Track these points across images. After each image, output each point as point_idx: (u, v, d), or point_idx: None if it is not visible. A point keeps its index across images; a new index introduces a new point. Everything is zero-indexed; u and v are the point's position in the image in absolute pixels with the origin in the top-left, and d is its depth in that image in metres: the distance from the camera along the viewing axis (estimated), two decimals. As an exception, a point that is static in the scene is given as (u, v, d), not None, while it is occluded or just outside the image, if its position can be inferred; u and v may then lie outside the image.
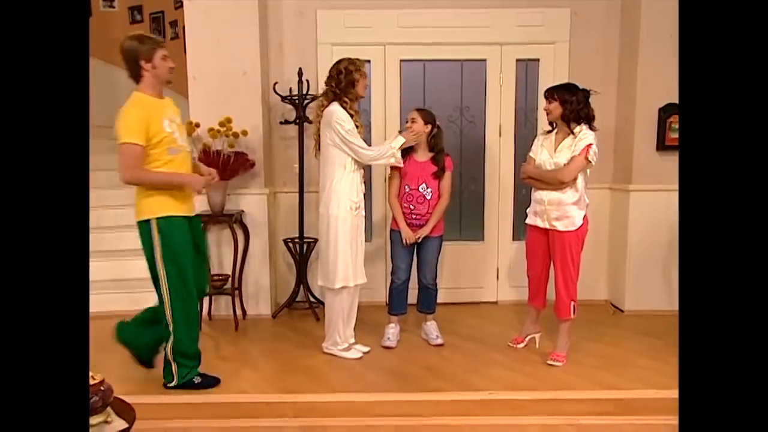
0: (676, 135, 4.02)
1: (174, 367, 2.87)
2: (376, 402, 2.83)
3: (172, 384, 2.89)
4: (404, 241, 3.43)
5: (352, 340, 3.39)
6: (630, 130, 4.14)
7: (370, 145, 3.48)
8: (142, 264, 2.85)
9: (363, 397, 2.86)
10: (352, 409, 2.82)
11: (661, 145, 4.05)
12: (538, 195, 3.25)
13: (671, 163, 4.08)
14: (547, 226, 3.20)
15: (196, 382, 2.92)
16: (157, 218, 2.74)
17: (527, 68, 4.33)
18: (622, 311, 4.25)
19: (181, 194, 2.84)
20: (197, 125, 3.79)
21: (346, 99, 3.17)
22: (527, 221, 3.35)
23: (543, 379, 3.06)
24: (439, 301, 4.40)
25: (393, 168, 3.47)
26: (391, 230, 3.55)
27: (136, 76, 2.76)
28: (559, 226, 3.16)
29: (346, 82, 3.16)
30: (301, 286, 4.18)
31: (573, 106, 3.16)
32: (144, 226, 2.76)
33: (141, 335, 2.97)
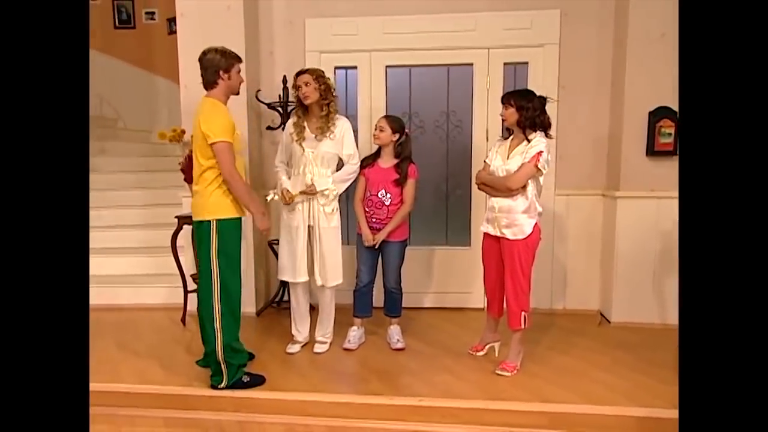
0: (666, 140, 3.82)
1: (224, 368, 2.96)
2: (308, 402, 2.91)
3: (222, 385, 2.96)
4: (364, 243, 3.50)
5: (300, 339, 3.54)
6: (619, 134, 3.98)
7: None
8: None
9: (297, 396, 2.94)
10: (286, 407, 2.92)
11: (651, 151, 3.85)
12: (490, 202, 3.21)
13: (661, 169, 3.88)
14: (498, 234, 3.16)
15: (244, 381, 3.02)
16: (217, 219, 2.91)
17: (516, 72, 4.25)
18: (609, 322, 4.09)
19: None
20: (183, 132, 4.02)
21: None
22: (481, 228, 3.31)
23: (485, 388, 3.01)
24: (425, 305, 4.46)
25: (359, 173, 3.53)
26: (357, 234, 3.62)
27: (211, 83, 2.96)
28: (509, 234, 3.11)
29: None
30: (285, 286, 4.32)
31: (529, 112, 3.09)
32: (205, 225, 2.92)
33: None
